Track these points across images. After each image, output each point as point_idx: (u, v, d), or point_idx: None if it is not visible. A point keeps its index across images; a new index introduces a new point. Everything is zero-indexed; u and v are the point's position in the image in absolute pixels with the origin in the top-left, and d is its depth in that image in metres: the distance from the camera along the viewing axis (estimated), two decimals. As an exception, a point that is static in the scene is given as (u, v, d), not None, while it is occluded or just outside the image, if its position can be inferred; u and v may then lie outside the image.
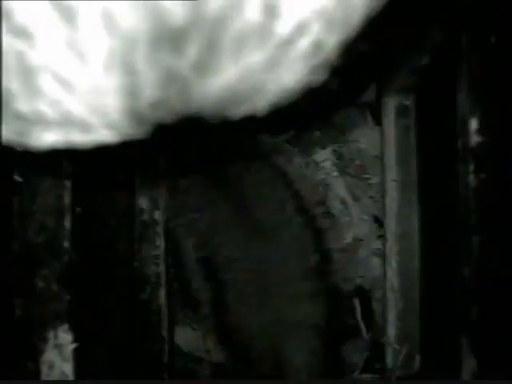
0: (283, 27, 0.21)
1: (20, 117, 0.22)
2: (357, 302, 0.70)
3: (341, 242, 0.71)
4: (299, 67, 0.22)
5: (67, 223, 0.39)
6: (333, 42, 0.22)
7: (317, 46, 0.22)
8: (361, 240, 0.71)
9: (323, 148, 0.72)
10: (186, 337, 0.71)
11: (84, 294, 0.41)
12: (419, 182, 0.63)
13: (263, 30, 0.21)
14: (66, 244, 0.39)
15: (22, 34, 0.19)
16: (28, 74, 0.20)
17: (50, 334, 0.39)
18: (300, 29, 0.21)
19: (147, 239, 0.66)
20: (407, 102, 0.65)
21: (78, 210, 0.40)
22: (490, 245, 0.36)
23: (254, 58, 0.21)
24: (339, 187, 0.72)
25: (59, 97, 0.21)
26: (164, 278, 0.66)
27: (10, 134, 0.24)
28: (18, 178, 0.39)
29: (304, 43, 0.21)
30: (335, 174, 0.72)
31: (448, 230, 0.49)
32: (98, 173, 0.46)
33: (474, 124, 0.37)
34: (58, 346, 0.39)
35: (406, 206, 0.64)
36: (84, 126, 0.22)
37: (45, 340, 0.39)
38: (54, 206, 0.39)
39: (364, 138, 0.72)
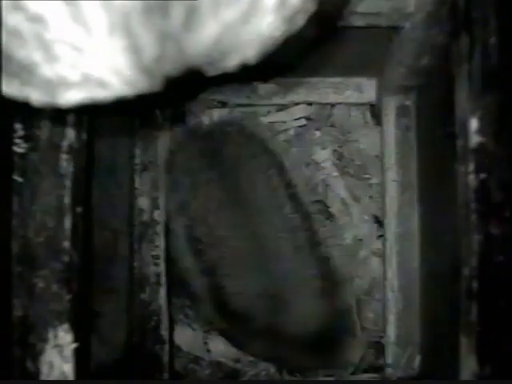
0: None
1: (46, 81, 0.27)
2: (357, 302, 0.70)
3: (341, 242, 0.71)
4: (271, 18, 0.27)
5: (67, 223, 0.39)
6: None
7: (282, 0, 0.27)
8: (361, 240, 0.71)
9: (323, 148, 0.72)
10: (186, 337, 0.71)
11: (84, 294, 0.41)
12: (419, 182, 0.63)
13: None
14: (66, 244, 0.39)
15: (37, 19, 0.24)
16: (46, 46, 0.25)
17: (50, 334, 0.39)
18: None
19: (147, 239, 0.66)
20: (407, 102, 0.65)
21: (78, 210, 0.40)
22: (490, 245, 0.36)
23: (230, 13, 0.26)
24: (339, 187, 0.72)
25: (76, 61, 0.26)
26: (164, 278, 0.66)
27: (40, 96, 0.28)
28: (17, 178, 0.39)
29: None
30: (335, 174, 0.72)
31: (448, 230, 0.49)
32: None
33: (474, 124, 0.37)
34: (58, 346, 0.39)
35: (405, 206, 0.64)
36: (103, 84, 0.27)
37: (45, 340, 0.39)
38: (54, 206, 0.39)
39: (364, 138, 0.72)
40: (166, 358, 0.65)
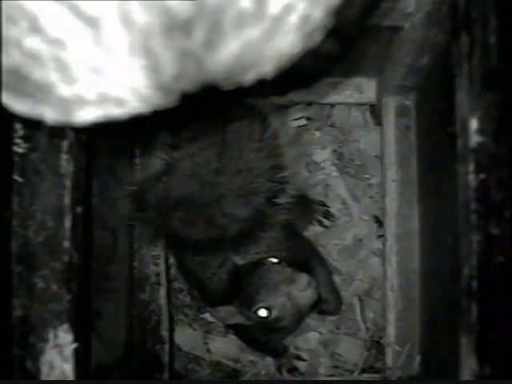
0: (273, 8, 0.25)
1: (62, 100, 0.26)
2: (357, 302, 0.70)
3: (341, 242, 0.71)
4: (292, 37, 0.27)
5: (67, 223, 0.39)
6: (319, 15, 0.27)
7: (305, 19, 0.27)
8: (361, 240, 0.71)
9: (323, 148, 0.72)
10: (186, 337, 0.71)
11: (84, 294, 0.41)
12: (419, 182, 0.63)
13: (256, 13, 0.25)
14: (66, 244, 0.39)
15: (56, 42, 0.24)
16: (64, 67, 0.25)
17: (50, 334, 0.39)
18: (288, 8, 0.25)
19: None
20: (407, 102, 0.65)
21: (78, 210, 0.40)
22: (490, 245, 0.36)
23: (252, 32, 0.26)
24: (339, 187, 0.72)
25: (93, 81, 0.25)
26: (164, 278, 0.66)
27: (55, 115, 0.28)
28: (18, 178, 0.39)
29: (293, 18, 0.26)
30: (335, 174, 0.72)
31: (448, 230, 0.49)
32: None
33: (474, 124, 0.37)
34: (58, 346, 0.39)
35: (405, 206, 0.64)
36: (119, 102, 0.27)
37: (45, 340, 0.39)
38: (53, 206, 0.39)
39: (364, 138, 0.72)
40: (166, 358, 0.65)
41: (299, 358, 0.70)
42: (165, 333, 0.65)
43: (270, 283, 0.59)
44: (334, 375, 0.68)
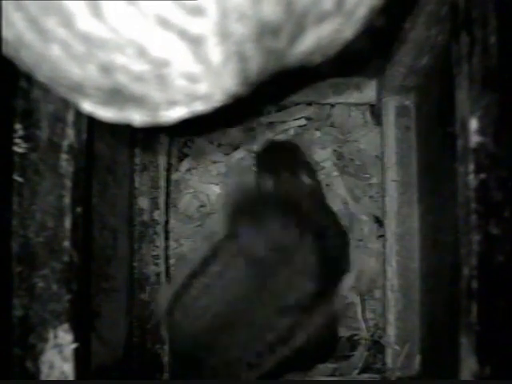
0: (348, 5, 0.29)
1: (153, 104, 0.28)
2: (357, 302, 0.70)
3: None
4: (358, 26, 0.31)
5: (67, 223, 0.39)
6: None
7: (371, 10, 0.30)
8: (361, 240, 0.71)
9: (323, 148, 0.72)
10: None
11: (84, 294, 0.41)
12: (419, 182, 0.63)
13: (335, 11, 0.28)
14: (66, 244, 0.39)
15: (160, 62, 0.26)
16: (165, 82, 0.27)
17: (50, 334, 0.39)
18: (358, 2, 0.29)
19: (147, 239, 0.66)
20: (407, 102, 0.65)
21: (78, 210, 0.40)
22: (490, 245, 0.36)
23: (328, 27, 0.29)
24: (339, 187, 0.72)
25: (189, 90, 0.27)
26: (164, 278, 0.66)
27: (142, 117, 0.29)
28: (18, 178, 0.39)
29: (362, 11, 0.30)
30: (335, 173, 0.72)
31: (448, 230, 0.49)
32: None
33: (474, 124, 0.37)
34: (58, 346, 0.39)
35: (405, 205, 0.64)
36: (207, 98, 0.28)
37: (45, 340, 0.39)
38: (53, 206, 0.39)
39: (364, 138, 0.72)
40: (166, 358, 0.65)
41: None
42: (165, 333, 0.65)
43: None
44: (334, 375, 0.67)
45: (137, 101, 0.28)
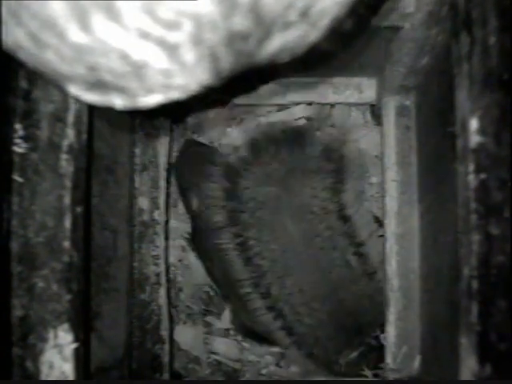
0: (313, 17, 0.32)
1: (131, 91, 0.32)
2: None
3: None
4: (324, 32, 0.34)
5: (67, 223, 0.39)
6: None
7: (337, 20, 0.33)
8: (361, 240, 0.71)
9: (323, 148, 0.72)
10: (186, 337, 0.71)
11: (84, 294, 0.41)
12: (419, 182, 0.63)
13: (301, 22, 0.32)
14: (66, 244, 0.39)
15: (139, 65, 0.30)
16: (143, 78, 0.31)
17: (50, 334, 0.39)
18: (322, 13, 0.32)
19: (147, 239, 0.66)
20: (407, 102, 0.65)
21: (78, 210, 0.40)
22: (490, 245, 0.36)
23: (295, 32, 0.32)
24: (339, 187, 0.72)
25: (165, 83, 0.31)
26: (164, 278, 0.66)
27: (123, 102, 0.33)
28: (17, 178, 0.39)
29: (325, 21, 0.33)
30: (335, 174, 0.72)
31: (448, 230, 0.49)
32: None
33: (474, 124, 0.37)
34: (58, 346, 0.39)
35: (405, 205, 0.64)
36: (184, 88, 0.32)
37: (45, 340, 0.39)
38: (53, 206, 0.39)
39: (364, 138, 0.72)
40: (166, 358, 0.65)
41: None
42: (165, 333, 0.65)
43: None
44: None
45: (118, 89, 0.32)
